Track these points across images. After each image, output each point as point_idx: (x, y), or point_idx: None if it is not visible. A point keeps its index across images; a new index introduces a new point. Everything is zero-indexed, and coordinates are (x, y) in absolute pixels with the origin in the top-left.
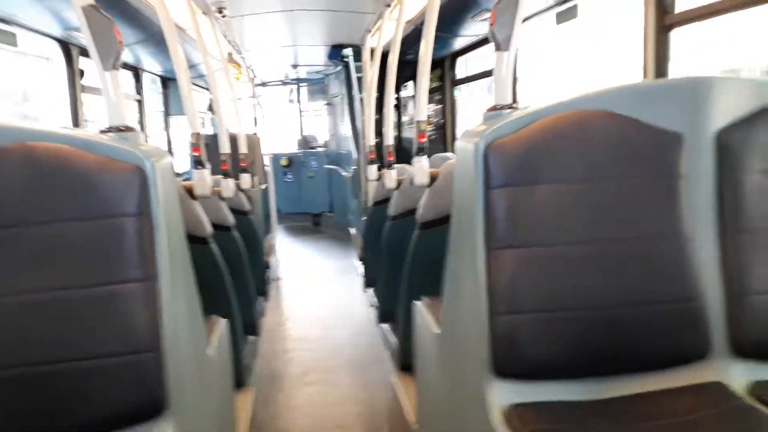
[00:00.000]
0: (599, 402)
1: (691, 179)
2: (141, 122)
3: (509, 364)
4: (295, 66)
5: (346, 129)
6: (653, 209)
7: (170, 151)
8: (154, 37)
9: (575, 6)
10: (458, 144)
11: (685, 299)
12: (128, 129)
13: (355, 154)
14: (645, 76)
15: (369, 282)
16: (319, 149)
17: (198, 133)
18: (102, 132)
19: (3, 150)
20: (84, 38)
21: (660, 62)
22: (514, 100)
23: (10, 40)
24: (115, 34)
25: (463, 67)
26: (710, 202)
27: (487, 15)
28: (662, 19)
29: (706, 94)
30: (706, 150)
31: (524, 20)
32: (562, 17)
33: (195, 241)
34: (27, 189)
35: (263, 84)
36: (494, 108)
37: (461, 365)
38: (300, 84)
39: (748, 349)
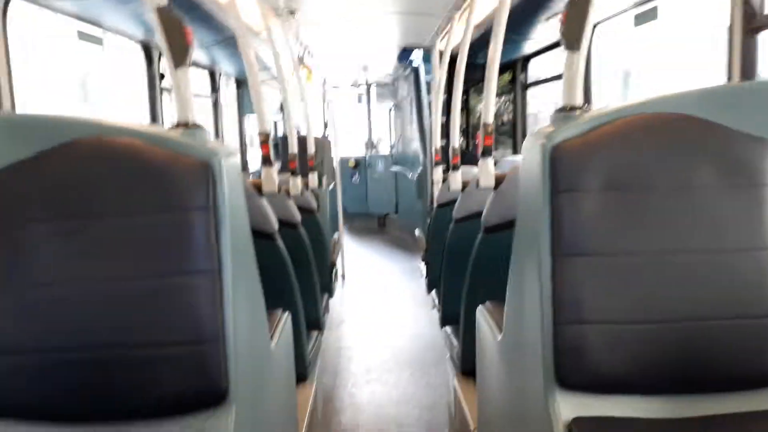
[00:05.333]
0: (668, 421)
1: None
2: (216, 121)
3: (574, 376)
4: (365, 68)
5: (413, 131)
6: (734, 220)
7: (243, 149)
8: (229, 40)
9: (655, 7)
10: (525, 145)
11: None
12: (195, 126)
13: (421, 157)
14: (729, 80)
15: (432, 284)
16: (386, 153)
17: (266, 132)
18: (170, 129)
19: (80, 142)
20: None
21: (747, 66)
22: (587, 102)
23: (97, 42)
24: (185, 33)
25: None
26: None
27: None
28: (749, 21)
29: None
30: None
31: (600, 22)
32: (640, 19)
33: (261, 236)
34: (100, 180)
35: (334, 87)
36: (563, 109)
37: (523, 373)
38: (369, 86)
39: None
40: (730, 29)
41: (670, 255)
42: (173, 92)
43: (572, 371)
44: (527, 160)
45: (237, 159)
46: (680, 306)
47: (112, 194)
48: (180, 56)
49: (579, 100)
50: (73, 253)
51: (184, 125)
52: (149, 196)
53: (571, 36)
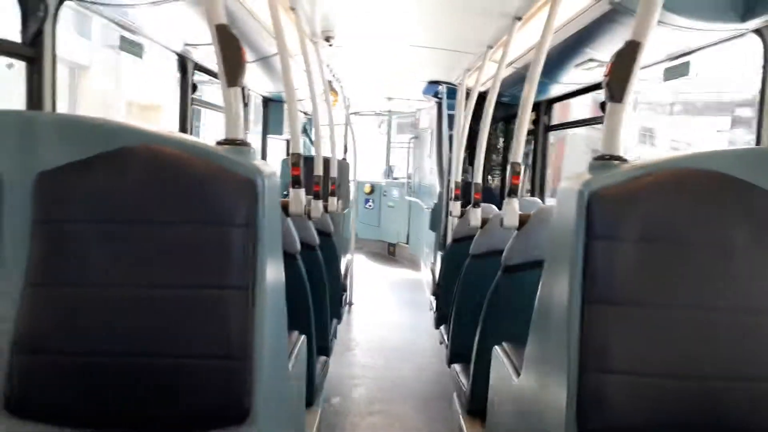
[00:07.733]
0: None
1: None
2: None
3: (594, 424)
4: (389, 98)
5: (432, 163)
6: (766, 279)
7: None
8: (260, 60)
9: (687, 63)
10: (561, 187)
11: None
12: (243, 143)
13: (437, 189)
14: (758, 141)
15: (441, 319)
16: (402, 180)
17: (298, 154)
18: (218, 143)
19: (129, 150)
20: (196, 53)
21: None
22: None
23: (137, 51)
24: (241, 52)
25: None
26: None
27: (592, 64)
28: None
29: None
30: None
31: None
32: (670, 73)
33: (285, 256)
34: (147, 189)
35: (356, 113)
36: (602, 157)
37: (542, 417)
38: (391, 115)
39: None
40: (761, 89)
41: (701, 311)
42: (225, 110)
43: (593, 419)
44: (563, 203)
45: (277, 179)
46: (706, 364)
47: (157, 202)
48: (233, 75)
49: (619, 150)
50: (116, 256)
51: (231, 142)
52: (194, 207)
53: (616, 87)
